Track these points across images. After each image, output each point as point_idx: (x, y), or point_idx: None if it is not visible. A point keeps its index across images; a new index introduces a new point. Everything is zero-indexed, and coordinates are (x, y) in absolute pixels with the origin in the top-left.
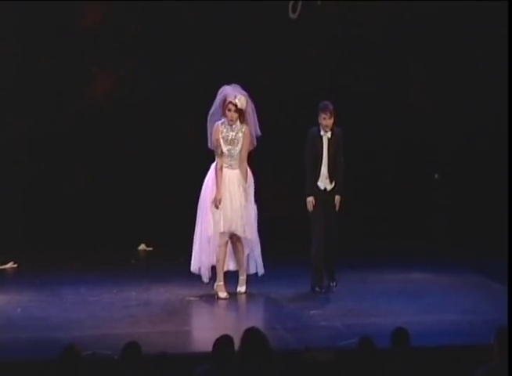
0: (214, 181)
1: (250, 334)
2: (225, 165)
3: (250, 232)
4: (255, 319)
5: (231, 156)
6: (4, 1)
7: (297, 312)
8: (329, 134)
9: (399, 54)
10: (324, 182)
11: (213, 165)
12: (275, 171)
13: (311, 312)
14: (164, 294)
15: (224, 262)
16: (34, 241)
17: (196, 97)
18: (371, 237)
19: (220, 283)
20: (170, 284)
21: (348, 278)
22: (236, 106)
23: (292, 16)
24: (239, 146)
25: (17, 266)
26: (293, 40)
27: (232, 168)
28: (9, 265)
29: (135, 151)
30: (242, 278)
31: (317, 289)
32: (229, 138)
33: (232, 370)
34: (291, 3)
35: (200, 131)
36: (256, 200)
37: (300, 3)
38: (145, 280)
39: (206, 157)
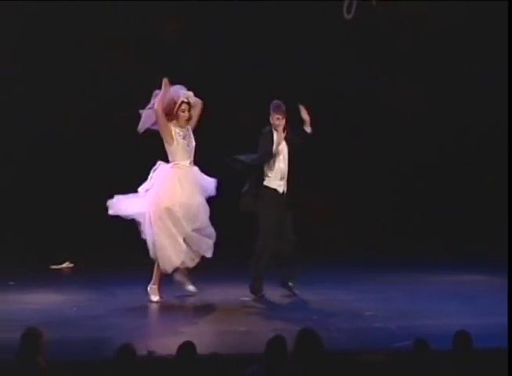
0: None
1: (304, 334)
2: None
3: None
4: (309, 319)
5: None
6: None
7: (351, 313)
8: (284, 134)
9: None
10: (283, 185)
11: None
12: None
13: (367, 313)
14: (218, 294)
15: None
16: (90, 240)
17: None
18: (422, 239)
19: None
20: (223, 285)
21: (401, 279)
22: (189, 104)
23: (347, 16)
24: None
25: (73, 266)
26: (347, 41)
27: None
28: (65, 264)
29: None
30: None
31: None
32: (184, 143)
33: (284, 371)
34: (346, 3)
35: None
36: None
37: (355, 3)
38: (199, 281)
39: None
